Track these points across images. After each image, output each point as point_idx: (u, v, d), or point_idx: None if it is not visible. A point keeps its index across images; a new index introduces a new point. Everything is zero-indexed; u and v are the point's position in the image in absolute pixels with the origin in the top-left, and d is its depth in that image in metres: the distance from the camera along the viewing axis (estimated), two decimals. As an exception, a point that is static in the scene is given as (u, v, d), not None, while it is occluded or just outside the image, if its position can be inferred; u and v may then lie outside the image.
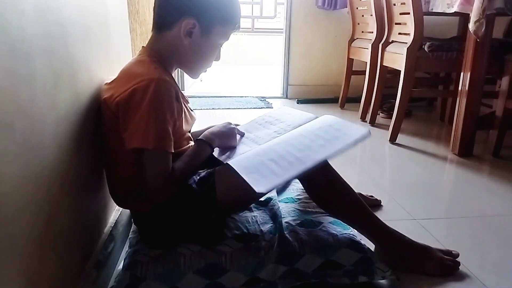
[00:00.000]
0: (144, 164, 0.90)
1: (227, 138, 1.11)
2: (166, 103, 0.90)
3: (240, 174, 0.90)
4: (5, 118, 0.54)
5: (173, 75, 1.07)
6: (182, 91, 1.11)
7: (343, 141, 0.97)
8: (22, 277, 0.60)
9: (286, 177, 0.91)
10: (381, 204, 1.45)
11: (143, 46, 1.03)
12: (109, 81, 0.99)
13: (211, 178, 0.99)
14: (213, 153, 1.07)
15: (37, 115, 0.65)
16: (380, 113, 2.77)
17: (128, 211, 1.24)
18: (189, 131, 1.10)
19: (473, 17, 1.76)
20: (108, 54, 1.13)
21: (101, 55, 1.07)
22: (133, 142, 0.88)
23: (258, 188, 0.87)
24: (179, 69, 1.12)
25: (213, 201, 0.97)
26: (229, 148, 1.11)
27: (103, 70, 1.06)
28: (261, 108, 3.07)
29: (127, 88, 0.89)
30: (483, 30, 1.75)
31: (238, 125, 1.21)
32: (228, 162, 0.95)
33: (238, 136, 1.15)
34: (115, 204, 1.17)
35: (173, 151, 0.92)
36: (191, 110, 1.11)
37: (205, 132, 1.07)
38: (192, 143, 1.07)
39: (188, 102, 1.10)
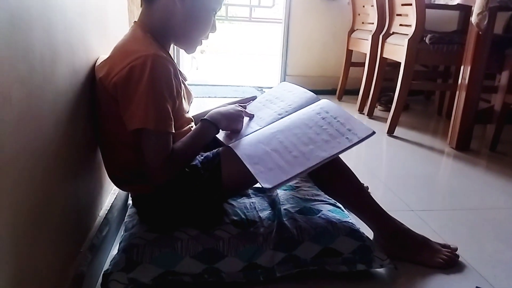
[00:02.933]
0: (143, 144, 0.88)
1: (234, 121, 1.06)
2: (164, 81, 0.87)
3: (244, 162, 0.89)
4: (3, 89, 0.52)
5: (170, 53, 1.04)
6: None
7: (348, 139, 0.95)
8: (17, 256, 0.58)
9: (292, 175, 0.89)
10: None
11: (135, 21, 0.98)
12: (103, 60, 0.95)
13: (216, 159, 0.97)
14: (217, 135, 1.04)
15: (35, 88, 0.63)
16: (378, 106, 2.76)
17: (124, 194, 1.22)
18: (188, 111, 1.07)
19: (476, 9, 1.75)
20: (106, 32, 1.10)
21: (99, 33, 1.04)
22: (134, 123, 0.86)
23: (264, 184, 0.86)
24: (175, 52, 1.08)
25: (218, 181, 0.96)
26: (234, 131, 1.07)
27: (101, 47, 1.03)
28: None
29: (124, 66, 0.85)
30: (485, 23, 1.74)
31: (245, 107, 1.18)
32: (231, 146, 0.94)
33: (245, 119, 1.12)
34: (111, 188, 1.16)
35: (173, 131, 0.90)
36: (190, 90, 1.08)
37: (211, 112, 1.03)
38: (193, 124, 1.05)
39: (186, 80, 1.07)
